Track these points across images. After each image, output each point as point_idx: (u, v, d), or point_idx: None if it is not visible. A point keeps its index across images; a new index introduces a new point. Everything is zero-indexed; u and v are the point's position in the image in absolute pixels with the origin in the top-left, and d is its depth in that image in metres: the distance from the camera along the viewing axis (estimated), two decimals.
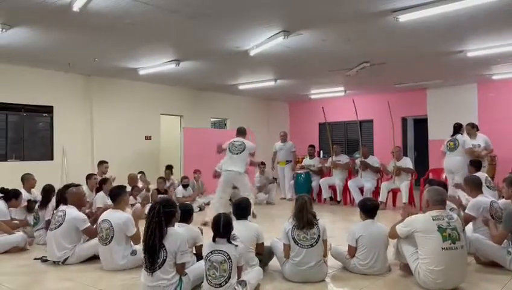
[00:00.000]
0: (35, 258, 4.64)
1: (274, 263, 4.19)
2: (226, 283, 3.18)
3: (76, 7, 4.92)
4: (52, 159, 8.73)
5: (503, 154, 9.30)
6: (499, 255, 4.09)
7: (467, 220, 4.37)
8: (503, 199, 4.61)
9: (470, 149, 7.45)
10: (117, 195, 4.46)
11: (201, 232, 4.24)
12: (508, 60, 7.97)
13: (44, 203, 5.48)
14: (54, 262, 4.44)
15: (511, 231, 3.97)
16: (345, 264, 4.14)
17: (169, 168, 9.07)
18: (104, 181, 6.56)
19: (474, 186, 4.60)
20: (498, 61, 8.07)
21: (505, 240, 4.09)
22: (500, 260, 4.09)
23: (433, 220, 3.54)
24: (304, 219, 3.78)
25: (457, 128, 7.69)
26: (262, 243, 3.98)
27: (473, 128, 7.78)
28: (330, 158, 9.36)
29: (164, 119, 10.79)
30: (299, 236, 3.77)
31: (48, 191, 5.60)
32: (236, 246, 3.26)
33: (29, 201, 5.85)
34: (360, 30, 6.12)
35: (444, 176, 8.39)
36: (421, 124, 12.03)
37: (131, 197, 6.69)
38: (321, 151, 12.68)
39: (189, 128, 10.70)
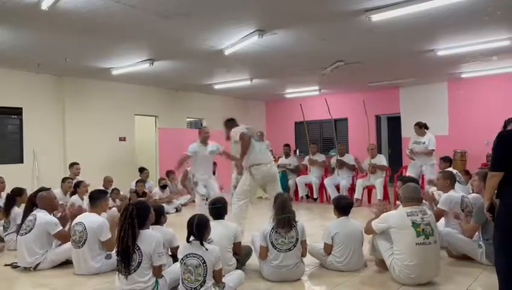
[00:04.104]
0: (6, 265, 4.51)
1: (252, 262, 4.19)
2: (202, 286, 3.14)
3: (45, 6, 4.78)
4: (22, 162, 8.47)
5: (472, 151, 9.58)
6: (470, 249, 4.20)
7: (439, 214, 4.47)
8: (473, 194, 4.74)
9: None
10: (96, 198, 4.37)
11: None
12: (476, 59, 8.20)
13: (7, 208, 5.33)
14: (25, 268, 4.32)
15: (481, 225, 4.08)
16: (321, 262, 4.18)
17: (144, 170, 9.06)
18: (77, 184, 6.44)
19: (449, 181, 4.71)
20: (467, 60, 8.29)
21: (476, 234, 4.22)
22: (471, 253, 4.20)
23: (408, 215, 3.61)
24: (285, 218, 3.77)
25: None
26: (240, 242, 3.97)
27: (420, 128, 8.00)
28: (307, 157, 9.46)
29: (139, 120, 10.62)
30: (277, 240, 3.76)
31: (11, 195, 5.44)
32: (207, 249, 3.19)
33: None
34: (334, 29, 6.18)
35: None
36: (394, 122, 12.26)
37: (110, 200, 6.57)
38: (297, 150, 12.77)
39: (164, 129, 10.58)
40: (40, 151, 8.61)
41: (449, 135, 10.66)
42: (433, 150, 7.81)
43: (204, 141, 6.50)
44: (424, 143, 7.85)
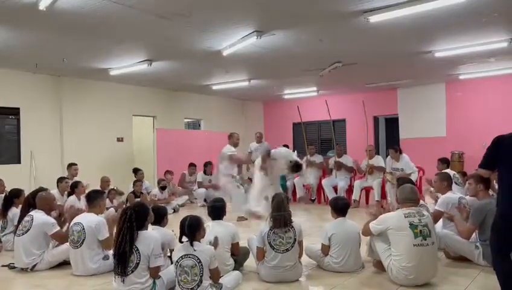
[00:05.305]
0: (3, 265, 4.48)
1: (250, 263, 4.18)
2: (198, 286, 3.15)
3: (42, 6, 4.78)
4: (19, 162, 8.45)
5: (470, 152, 9.60)
6: (467, 250, 4.20)
7: (437, 216, 4.46)
8: (468, 196, 4.73)
9: None
10: (93, 199, 4.36)
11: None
12: (474, 60, 8.22)
13: (4, 209, 5.31)
14: (22, 269, 4.30)
15: (478, 226, 4.08)
16: (319, 263, 4.18)
17: (138, 171, 8.94)
18: (75, 185, 6.42)
19: (446, 182, 4.71)
20: (464, 62, 8.31)
21: (473, 235, 4.22)
22: (468, 255, 4.20)
23: (405, 217, 3.61)
24: (282, 218, 3.76)
25: None
26: (238, 242, 3.97)
27: (396, 153, 7.79)
28: (305, 157, 9.45)
29: (137, 121, 10.61)
30: (275, 241, 3.74)
31: (9, 196, 5.43)
32: (196, 250, 3.19)
33: None
34: (332, 30, 6.19)
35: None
36: (392, 123, 12.27)
37: (107, 201, 6.54)
38: (295, 151, 12.74)
39: (162, 129, 10.57)
40: (37, 152, 8.60)
41: (447, 136, 10.69)
42: (414, 171, 7.57)
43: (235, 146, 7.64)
44: (402, 170, 7.61)
